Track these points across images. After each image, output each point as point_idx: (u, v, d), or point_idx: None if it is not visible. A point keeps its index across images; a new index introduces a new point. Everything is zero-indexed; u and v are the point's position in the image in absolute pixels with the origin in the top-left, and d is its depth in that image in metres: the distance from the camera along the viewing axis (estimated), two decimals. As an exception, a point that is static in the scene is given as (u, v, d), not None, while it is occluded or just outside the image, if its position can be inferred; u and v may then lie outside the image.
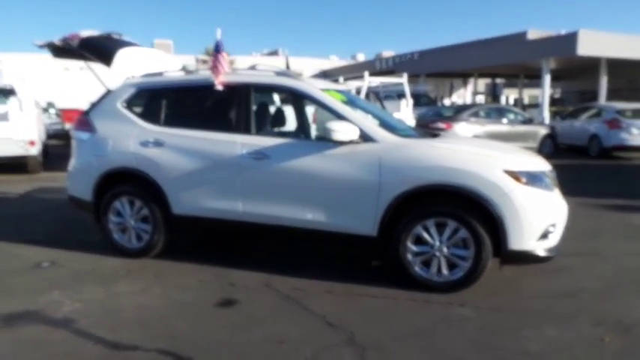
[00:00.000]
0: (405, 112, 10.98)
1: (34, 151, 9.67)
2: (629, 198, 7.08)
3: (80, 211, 4.66)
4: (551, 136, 11.98)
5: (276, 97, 5.95)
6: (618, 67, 18.13)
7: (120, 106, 4.33)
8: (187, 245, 4.78)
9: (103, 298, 3.43)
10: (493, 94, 30.88)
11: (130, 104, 4.33)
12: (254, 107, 3.95)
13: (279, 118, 4.32)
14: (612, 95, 19.84)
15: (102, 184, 4.26)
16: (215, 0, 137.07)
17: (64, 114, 22.27)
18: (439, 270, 3.43)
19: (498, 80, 30.83)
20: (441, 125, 10.75)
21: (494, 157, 3.41)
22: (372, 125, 3.63)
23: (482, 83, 30.60)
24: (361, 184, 3.48)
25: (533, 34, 23.69)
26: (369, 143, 3.52)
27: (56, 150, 13.17)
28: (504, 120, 11.79)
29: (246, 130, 3.86)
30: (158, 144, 4.04)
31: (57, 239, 4.87)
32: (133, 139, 4.13)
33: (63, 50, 4.80)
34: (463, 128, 10.90)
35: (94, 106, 4.54)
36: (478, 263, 3.32)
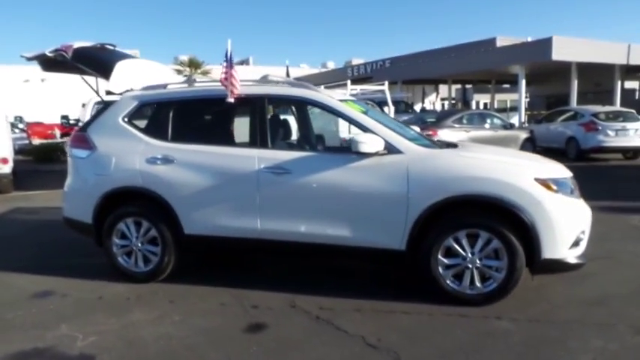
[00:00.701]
0: None
1: (7, 169, 9.15)
2: (621, 199, 7.27)
3: (71, 233, 4.40)
4: (531, 140, 12.26)
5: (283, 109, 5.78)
6: (584, 71, 18.86)
7: (121, 121, 4.08)
8: (194, 266, 4.54)
9: (118, 329, 3.17)
10: (463, 99, 31.58)
11: (132, 119, 4.09)
12: (270, 120, 3.79)
13: (296, 130, 4.17)
14: (578, 99, 20.62)
15: (104, 204, 3.99)
16: (182, 8, 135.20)
17: (29, 128, 21.34)
18: (472, 282, 3.36)
19: (468, 86, 31.58)
20: (427, 132, 10.81)
21: (523, 165, 3.38)
22: (396, 136, 3.53)
23: (453, 89, 31.25)
24: (389, 196, 3.37)
25: (501, 41, 24.44)
26: (395, 155, 3.43)
27: (23, 166, 12.54)
28: (487, 125, 12.00)
29: (263, 144, 3.69)
30: (167, 161, 3.82)
31: (47, 264, 4.57)
32: (139, 156, 3.89)
33: (54, 63, 4.51)
34: (447, 134, 10.99)
35: (91, 121, 4.27)
36: (512, 274, 3.25)
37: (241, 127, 3.86)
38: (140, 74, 4.47)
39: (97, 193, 3.99)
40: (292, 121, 4.50)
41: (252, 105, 3.81)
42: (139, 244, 3.95)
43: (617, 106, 16.41)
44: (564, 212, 3.23)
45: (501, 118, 13.20)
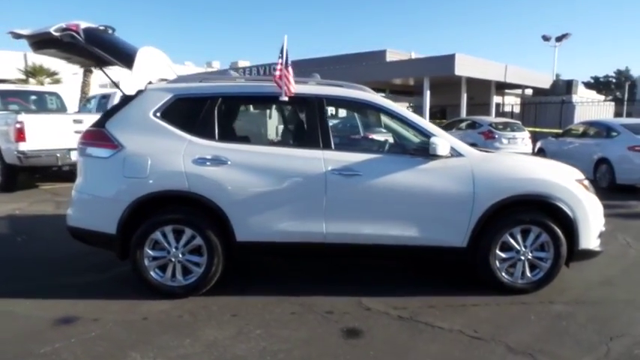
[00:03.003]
0: None
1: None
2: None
3: (59, 247, 3.83)
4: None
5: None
6: (465, 85, 21.49)
7: (152, 116, 3.61)
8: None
9: (207, 351, 2.83)
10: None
11: (165, 114, 3.64)
12: (330, 121, 3.71)
13: (357, 132, 4.12)
14: (452, 110, 23.36)
15: (135, 212, 3.48)
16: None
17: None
18: (522, 273, 3.73)
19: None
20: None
21: (564, 167, 3.87)
22: (456, 140, 3.76)
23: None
24: (457, 197, 3.57)
25: (390, 54, 26.44)
26: (458, 157, 3.65)
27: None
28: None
29: (326, 146, 3.60)
30: (219, 162, 3.49)
31: (47, 285, 3.87)
32: (183, 157, 3.49)
33: (53, 44, 3.72)
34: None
35: (108, 116, 3.68)
36: (557, 263, 3.70)
37: (299, 127, 3.70)
38: (158, 65, 3.98)
39: (126, 199, 3.47)
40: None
41: (309, 105, 3.69)
42: (180, 255, 3.54)
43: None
44: (594, 208, 3.78)
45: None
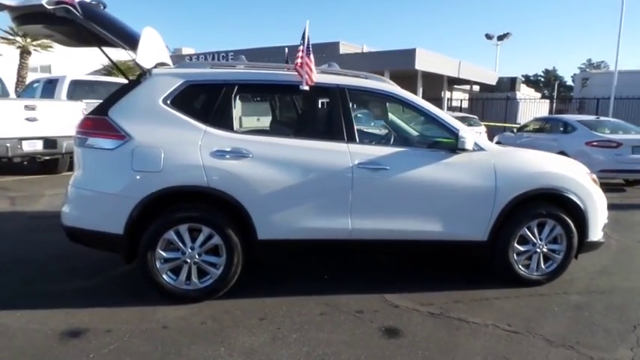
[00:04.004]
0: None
1: None
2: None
3: (38, 248, 3.39)
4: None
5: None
6: (413, 80, 22.00)
7: (162, 103, 3.27)
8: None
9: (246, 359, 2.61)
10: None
11: (175, 102, 3.31)
12: (353, 113, 3.55)
13: (379, 124, 3.96)
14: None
15: (146, 209, 3.15)
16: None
17: None
18: (537, 265, 3.81)
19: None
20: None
21: (573, 162, 3.97)
22: (477, 135, 3.74)
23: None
24: (481, 190, 3.56)
25: (344, 47, 26.50)
26: (480, 151, 3.63)
27: None
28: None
29: (350, 139, 3.45)
30: (239, 155, 3.23)
31: (34, 293, 3.43)
32: (201, 149, 3.19)
33: (43, 18, 3.24)
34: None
35: (110, 103, 3.29)
36: (569, 255, 3.81)
37: (322, 118, 3.51)
38: (159, 48, 3.62)
39: (136, 195, 3.13)
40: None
41: (332, 96, 3.51)
42: (196, 256, 3.25)
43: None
44: (601, 201, 3.93)
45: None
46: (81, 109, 8.32)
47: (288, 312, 3.23)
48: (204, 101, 3.38)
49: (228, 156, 3.22)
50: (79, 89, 10.45)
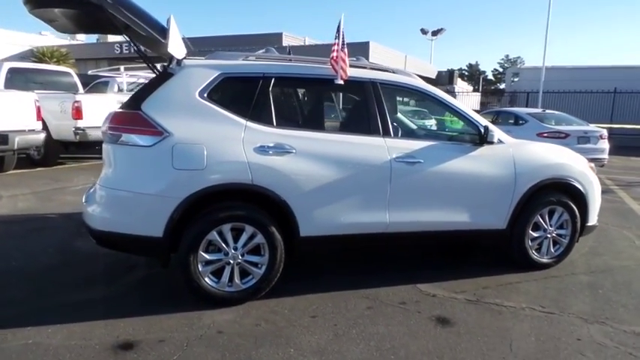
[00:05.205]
0: None
1: None
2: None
3: (43, 257, 3.12)
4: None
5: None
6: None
7: (199, 97, 3.09)
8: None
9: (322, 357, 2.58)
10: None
11: (212, 95, 3.14)
12: (387, 107, 3.57)
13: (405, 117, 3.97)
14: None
15: (187, 210, 2.97)
16: None
17: None
18: (547, 250, 4.09)
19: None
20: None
21: (575, 153, 4.28)
22: (496, 128, 3.92)
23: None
24: (503, 180, 3.75)
25: (286, 38, 26.28)
26: (501, 144, 3.82)
27: None
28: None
29: (386, 133, 3.47)
30: (283, 150, 3.14)
31: (54, 306, 3.12)
32: (244, 145, 3.06)
33: (67, 1, 2.87)
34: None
35: (141, 97, 3.05)
36: (573, 238, 4.13)
37: (357, 112, 3.50)
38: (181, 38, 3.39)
39: (179, 195, 2.94)
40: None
41: (366, 90, 3.51)
42: (239, 256, 3.13)
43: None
44: (599, 188, 4.29)
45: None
46: (33, 100, 7.58)
47: (336, 308, 3.21)
48: (242, 94, 3.23)
49: (271, 152, 3.12)
50: (17, 78, 9.50)
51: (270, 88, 3.27)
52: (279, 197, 3.13)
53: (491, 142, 3.65)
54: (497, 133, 3.65)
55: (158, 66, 3.43)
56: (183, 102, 3.06)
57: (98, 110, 8.82)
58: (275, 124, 3.23)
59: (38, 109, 7.71)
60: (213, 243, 3.08)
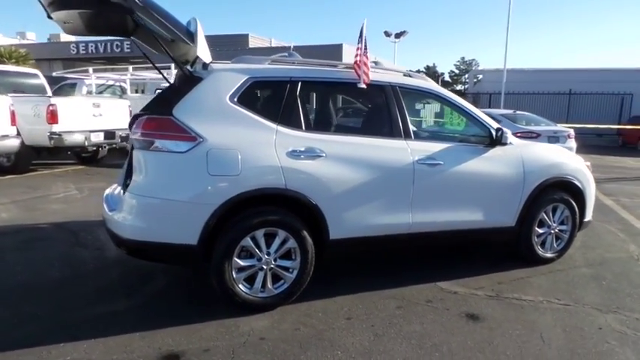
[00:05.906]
0: None
1: None
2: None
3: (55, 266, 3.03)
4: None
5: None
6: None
7: (230, 101, 3.06)
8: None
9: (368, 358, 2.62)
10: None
11: (242, 100, 3.11)
12: (406, 110, 3.64)
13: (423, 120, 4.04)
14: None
15: (223, 216, 2.94)
16: None
17: None
18: (550, 245, 4.31)
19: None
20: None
21: (572, 153, 4.53)
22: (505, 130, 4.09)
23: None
24: (513, 180, 3.92)
25: (252, 39, 26.11)
26: (510, 145, 3.99)
27: None
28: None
29: (407, 135, 3.56)
30: (313, 154, 3.16)
31: (79, 320, 3.00)
32: (277, 150, 3.06)
33: (91, 3, 2.74)
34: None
35: (170, 101, 2.98)
36: (573, 233, 4.38)
37: (379, 116, 3.55)
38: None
39: (214, 201, 2.90)
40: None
41: (387, 94, 3.58)
42: (272, 262, 3.12)
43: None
44: (594, 187, 4.56)
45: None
46: (8, 104, 7.19)
47: (367, 309, 3.26)
48: (271, 99, 3.23)
49: (303, 156, 3.13)
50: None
51: (298, 92, 3.28)
52: (311, 201, 3.15)
53: (505, 144, 3.81)
54: (509, 135, 3.82)
55: (165, 73, 3.36)
56: (214, 107, 3.02)
57: (73, 114, 8.52)
58: (304, 127, 3.24)
59: (13, 114, 7.31)
60: (246, 249, 3.06)
